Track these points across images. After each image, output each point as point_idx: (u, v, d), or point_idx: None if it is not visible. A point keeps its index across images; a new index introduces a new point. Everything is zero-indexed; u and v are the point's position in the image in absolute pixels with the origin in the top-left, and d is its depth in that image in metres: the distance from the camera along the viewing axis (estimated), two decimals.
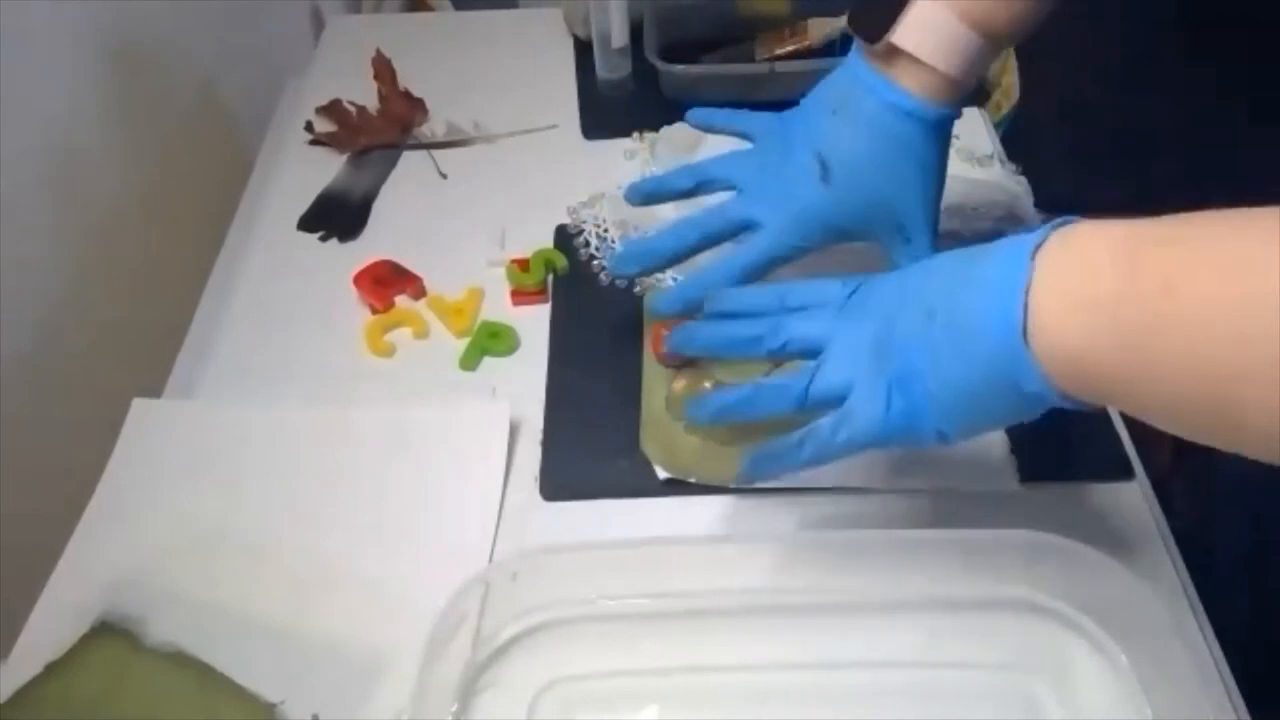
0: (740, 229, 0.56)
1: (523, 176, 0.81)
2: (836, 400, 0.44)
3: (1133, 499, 0.56)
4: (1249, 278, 0.30)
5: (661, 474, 0.57)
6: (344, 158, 0.84)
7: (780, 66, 0.81)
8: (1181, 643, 0.46)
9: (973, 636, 0.50)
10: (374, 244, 0.75)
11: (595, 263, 0.71)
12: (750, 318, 0.49)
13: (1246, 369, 0.30)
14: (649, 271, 0.62)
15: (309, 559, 0.55)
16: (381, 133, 0.85)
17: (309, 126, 0.86)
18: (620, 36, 0.85)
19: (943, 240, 0.69)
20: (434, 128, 0.86)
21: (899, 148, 0.51)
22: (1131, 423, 0.60)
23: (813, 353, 0.46)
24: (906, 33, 0.49)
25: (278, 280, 0.73)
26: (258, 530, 0.56)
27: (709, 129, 0.62)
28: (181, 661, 0.50)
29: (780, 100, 0.84)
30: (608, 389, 0.62)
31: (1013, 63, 1.11)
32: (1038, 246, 0.37)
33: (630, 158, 0.81)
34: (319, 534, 0.56)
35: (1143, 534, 0.54)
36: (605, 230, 0.72)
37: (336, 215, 0.78)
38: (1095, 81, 0.97)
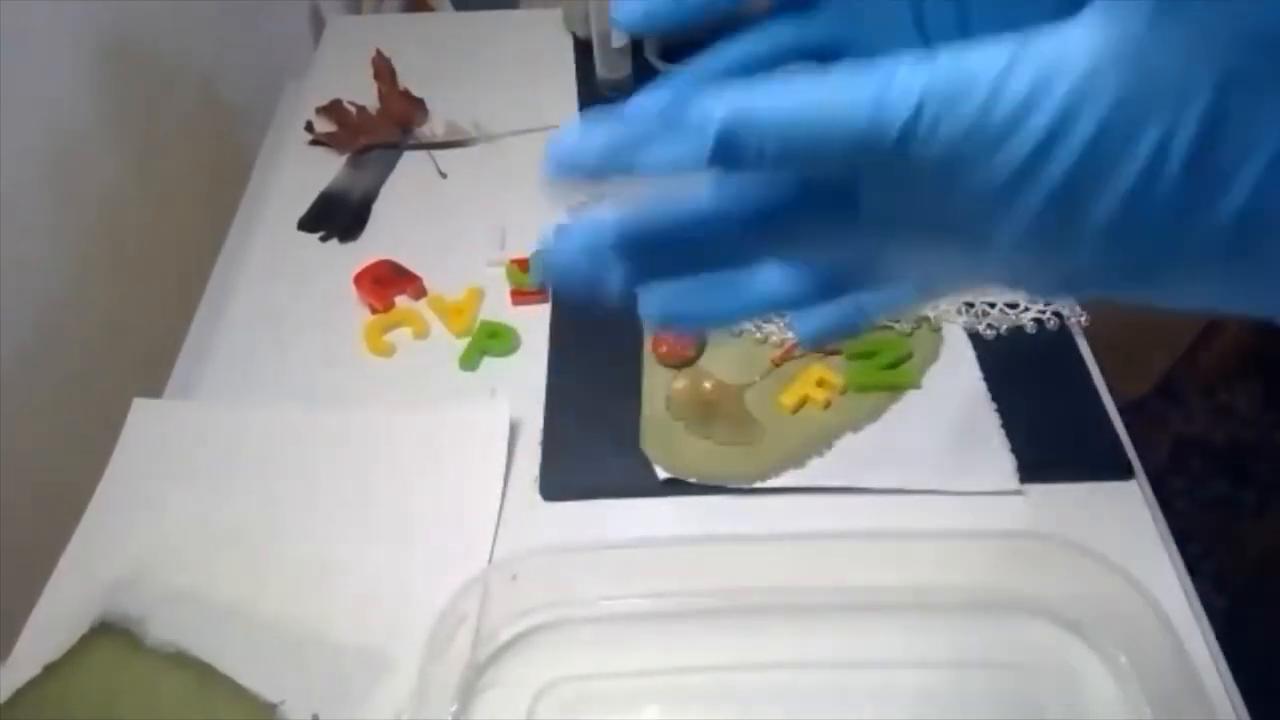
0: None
1: (523, 176, 0.81)
2: None
3: (1133, 499, 0.56)
4: None
5: (661, 474, 0.57)
6: (344, 158, 0.83)
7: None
8: (1181, 643, 0.46)
9: (973, 636, 0.50)
10: (374, 244, 0.75)
11: None
12: None
13: None
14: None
15: (309, 559, 0.55)
16: (381, 133, 0.85)
17: (309, 126, 0.86)
18: (620, 36, 0.85)
19: None
20: (434, 128, 0.86)
21: None
22: (1131, 423, 0.60)
23: None
24: None
25: (277, 280, 0.73)
26: (258, 530, 0.56)
27: None
28: (181, 661, 0.50)
29: None
30: (608, 389, 0.62)
31: None
32: None
33: None
34: (319, 534, 0.56)
35: (1143, 534, 0.54)
36: None
37: (336, 215, 0.78)
38: None
